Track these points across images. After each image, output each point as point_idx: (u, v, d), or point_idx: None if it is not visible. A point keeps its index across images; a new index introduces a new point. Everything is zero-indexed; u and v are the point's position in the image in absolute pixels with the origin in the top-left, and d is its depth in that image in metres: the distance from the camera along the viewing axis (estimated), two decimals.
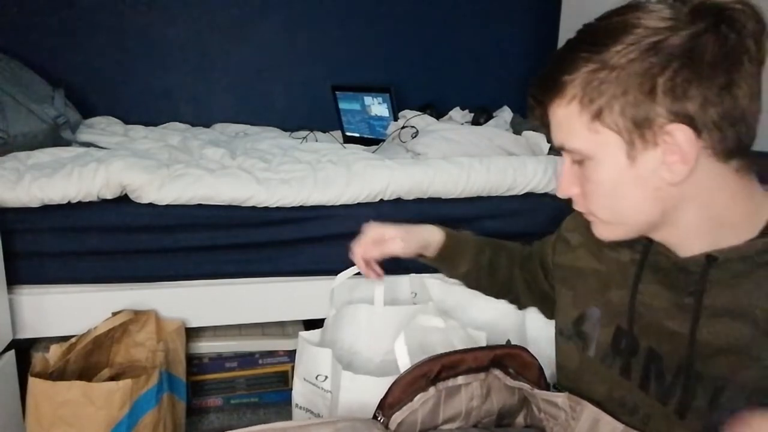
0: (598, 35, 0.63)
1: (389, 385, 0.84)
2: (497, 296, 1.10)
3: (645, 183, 0.64)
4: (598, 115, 0.63)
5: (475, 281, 1.06)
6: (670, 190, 0.63)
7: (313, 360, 1.11)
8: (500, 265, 1.05)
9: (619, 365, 0.76)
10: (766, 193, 0.66)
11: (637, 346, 0.74)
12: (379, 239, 0.97)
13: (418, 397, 0.81)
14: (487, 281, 1.06)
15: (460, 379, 0.82)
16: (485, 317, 1.24)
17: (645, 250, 0.73)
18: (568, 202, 0.74)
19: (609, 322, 0.78)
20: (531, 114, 0.73)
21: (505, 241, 1.08)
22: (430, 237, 1.01)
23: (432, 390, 0.82)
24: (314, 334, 1.20)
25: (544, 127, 0.71)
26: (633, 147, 0.63)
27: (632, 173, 0.64)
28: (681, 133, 0.60)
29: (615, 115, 0.62)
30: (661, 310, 0.70)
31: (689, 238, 0.66)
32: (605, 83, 0.62)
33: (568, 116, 0.66)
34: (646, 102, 0.61)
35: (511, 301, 1.10)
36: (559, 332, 0.86)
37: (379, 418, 0.82)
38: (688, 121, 0.60)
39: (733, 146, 0.62)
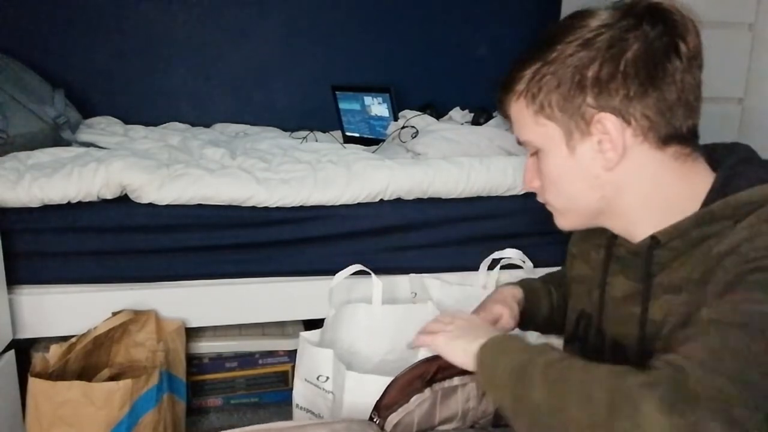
0: (547, 37, 0.69)
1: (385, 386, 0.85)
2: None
3: (585, 171, 0.69)
4: (541, 109, 0.69)
5: (554, 322, 1.02)
6: (608, 176, 0.68)
7: (314, 360, 1.11)
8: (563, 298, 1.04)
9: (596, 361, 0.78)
10: (710, 174, 0.69)
11: (603, 342, 0.78)
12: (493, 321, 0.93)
13: (414, 398, 0.81)
14: (563, 318, 1.05)
15: (456, 380, 0.82)
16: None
17: (609, 244, 0.77)
18: (533, 195, 0.80)
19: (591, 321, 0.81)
20: (500, 113, 0.79)
21: (551, 274, 1.06)
22: (513, 295, 0.98)
23: (428, 391, 0.82)
24: (314, 334, 1.20)
25: (509, 124, 0.78)
26: (571, 137, 0.69)
27: (573, 162, 0.69)
28: (609, 122, 0.66)
29: (554, 108, 0.68)
30: (623, 298, 0.74)
31: (637, 225, 0.70)
32: (545, 77, 0.68)
33: (518, 111, 0.73)
34: (577, 94, 0.66)
35: None
36: (565, 341, 0.88)
37: (375, 420, 0.82)
38: (615, 111, 0.65)
39: (667, 134, 0.66)
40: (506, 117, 0.78)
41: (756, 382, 0.52)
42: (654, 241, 0.68)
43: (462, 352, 0.77)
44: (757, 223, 0.60)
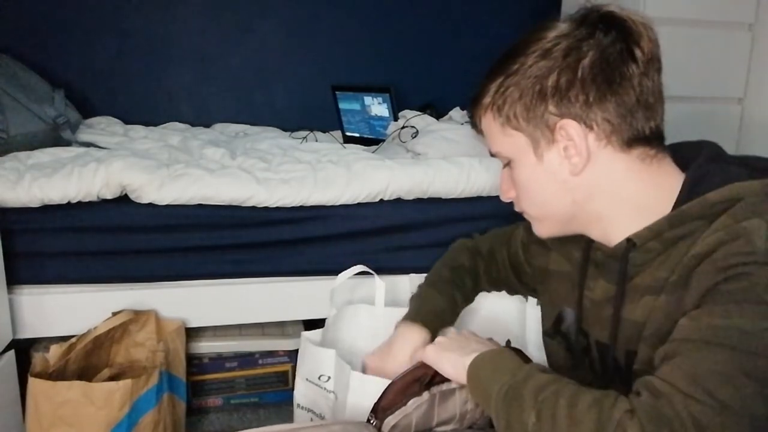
0: (510, 51, 0.72)
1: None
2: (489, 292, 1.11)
3: (554, 177, 0.71)
4: (507, 120, 0.72)
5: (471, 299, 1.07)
6: (576, 181, 0.70)
7: (316, 360, 1.11)
8: (482, 284, 1.07)
9: (586, 362, 0.80)
10: (679, 174, 0.70)
11: (588, 341, 0.79)
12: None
13: (411, 401, 0.81)
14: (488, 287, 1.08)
15: (455, 383, 0.82)
16: (484, 318, 1.24)
17: (587, 248, 0.79)
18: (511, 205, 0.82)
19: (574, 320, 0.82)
20: (473, 128, 0.81)
21: (457, 264, 1.06)
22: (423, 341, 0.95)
23: (426, 394, 0.82)
24: (316, 333, 1.20)
25: (482, 137, 0.80)
26: (538, 145, 0.71)
27: (542, 169, 0.71)
28: (571, 128, 0.67)
29: (519, 118, 0.70)
30: (604, 300, 0.75)
31: (612, 228, 0.72)
32: (508, 89, 0.70)
33: (487, 124, 0.75)
34: (539, 103, 0.69)
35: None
36: (545, 333, 0.89)
37: (372, 422, 0.82)
38: (577, 117, 0.67)
39: (630, 137, 0.68)
40: (479, 132, 0.80)
41: (732, 404, 0.54)
42: (630, 243, 0.69)
43: (451, 366, 0.79)
44: (731, 224, 0.61)
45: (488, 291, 1.09)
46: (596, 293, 0.77)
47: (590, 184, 0.70)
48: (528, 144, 0.71)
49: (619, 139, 0.68)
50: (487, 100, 0.73)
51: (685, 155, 0.72)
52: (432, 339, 0.92)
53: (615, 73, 0.66)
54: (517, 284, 1.02)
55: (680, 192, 0.68)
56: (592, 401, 0.59)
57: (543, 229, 0.79)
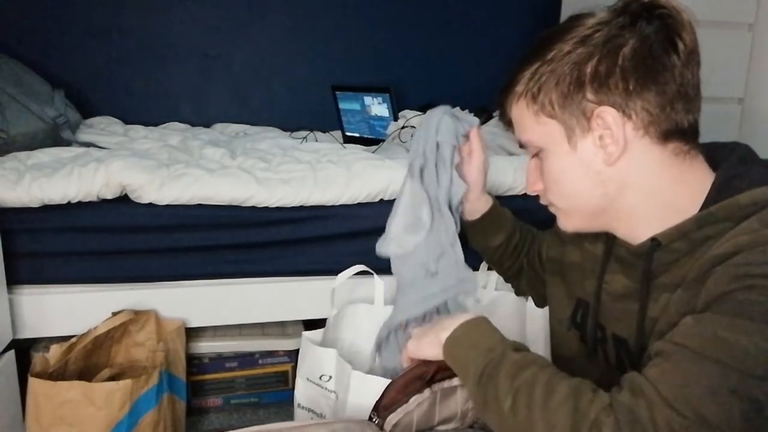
0: (545, 38, 0.71)
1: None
2: (505, 278, 1.15)
3: (587, 167, 0.70)
4: (541, 108, 0.70)
5: (499, 257, 1.11)
6: (610, 172, 0.69)
7: (316, 360, 1.11)
8: (522, 251, 1.09)
9: (600, 353, 0.81)
10: (709, 174, 0.69)
11: (604, 333, 0.79)
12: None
13: (413, 398, 0.82)
14: (509, 262, 1.11)
15: (456, 381, 0.83)
16: (485, 305, 1.25)
17: (609, 242, 0.78)
18: (537, 198, 0.81)
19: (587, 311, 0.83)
20: (500, 119, 0.81)
21: (530, 227, 1.13)
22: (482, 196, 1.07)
23: (427, 392, 0.82)
24: (317, 333, 1.20)
25: (509, 129, 0.79)
26: (573, 134, 0.69)
27: (575, 159, 0.70)
28: (609, 115, 0.66)
29: (554, 106, 0.69)
30: (622, 296, 0.75)
31: (638, 226, 0.71)
32: (544, 76, 0.69)
33: (519, 112, 0.74)
34: (577, 90, 0.67)
35: (515, 286, 1.14)
36: (558, 322, 0.89)
37: (374, 420, 0.82)
38: (615, 105, 0.66)
39: (668, 129, 0.67)
40: (506, 122, 0.78)
41: (713, 420, 0.53)
42: (655, 243, 0.68)
43: (430, 347, 0.80)
44: (758, 229, 0.60)
45: (508, 263, 1.11)
46: (614, 287, 0.77)
47: (622, 176, 0.69)
48: (562, 132, 0.70)
49: (657, 131, 0.67)
50: (520, 87, 0.72)
51: (716, 155, 0.71)
52: (492, 205, 1.07)
53: (657, 63, 0.65)
54: (538, 267, 1.04)
55: (709, 192, 0.67)
56: (567, 394, 0.59)
57: (569, 223, 0.78)
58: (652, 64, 0.65)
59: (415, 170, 1.09)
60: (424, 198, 1.06)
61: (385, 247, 1.10)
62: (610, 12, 0.68)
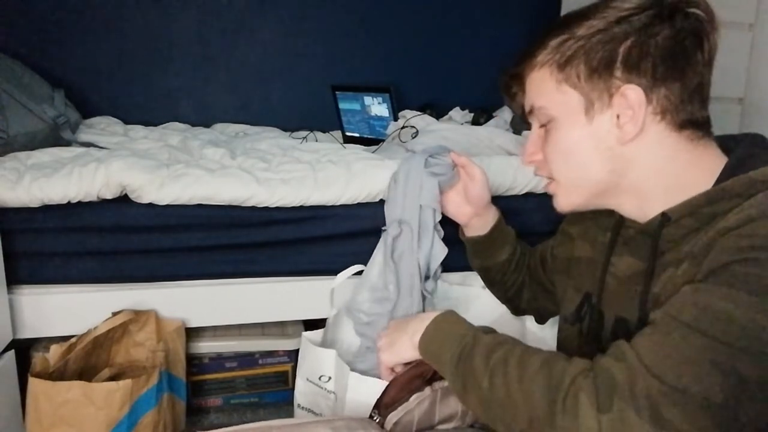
0: (576, 14, 0.72)
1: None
2: (505, 297, 1.14)
3: (599, 142, 0.71)
4: (566, 78, 0.71)
5: (503, 274, 1.11)
6: (621, 150, 0.70)
7: (316, 360, 1.11)
8: (524, 262, 1.10)
9: (594, 340, 0.81)
10: (723, 157, 0.70)
11: (602, 318, 0.79)
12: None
13: (414, 397, 0.82)
14: (514, 276, 1.11)
15: None
16: (484, 319, 1.24)
17: (617, 225, 0.79)
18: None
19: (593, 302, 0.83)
20: (505, 91, 0.82)
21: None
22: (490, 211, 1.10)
23: (428, 390, 0.82)
24: (317, 334, 1.20)
25: (513, 101, 0.80)
26: (592, 107, 0.70)
27: (589, 131, 0.71)
28: (632, 92, 0.68)
29: (580, 77, 0.70)
30: (628, 277, 0.75)
31: (646, 202, 0.71)
32: (572, 49, 0.70)
33: (540, 78, 0.74)
34: (606, 67, 0.69)
35: (514, 305, 1.14)
36: (564, 319, 0.89)
37: (375, 418, 0.82)
38: (642, 86, 0.68)
39: (683, 120, 0.69)
40: (510, 93, 0.80)
41: (691, 388, 0.54)
42: (665, 218, 0.68)
43: (404, 349, 0.83)
44: (766, 201, 0.60)
45: (511, 279, 1.12)
46: (620, 269, 0.77)
47: (633, 155, 0.70)
48: (581, 103, 0.71)
49: (673, 119, 0.69)
50: (544, 56, 0.73)
51: (729, 144, 0.72)
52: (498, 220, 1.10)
53: (686, 57, 0.67)
54: (542, 274, 1.05)
55: (722, 172, 0.68)
56: (543, 362, 0.62)
57: (568, 200, 0.78)
58: (682, 57, 0.67)
59: (389, 240, 1.09)
60: (392, 270, 1.07)
61: (353, 317, 1.12)
62: (645, 1, 0.70)
